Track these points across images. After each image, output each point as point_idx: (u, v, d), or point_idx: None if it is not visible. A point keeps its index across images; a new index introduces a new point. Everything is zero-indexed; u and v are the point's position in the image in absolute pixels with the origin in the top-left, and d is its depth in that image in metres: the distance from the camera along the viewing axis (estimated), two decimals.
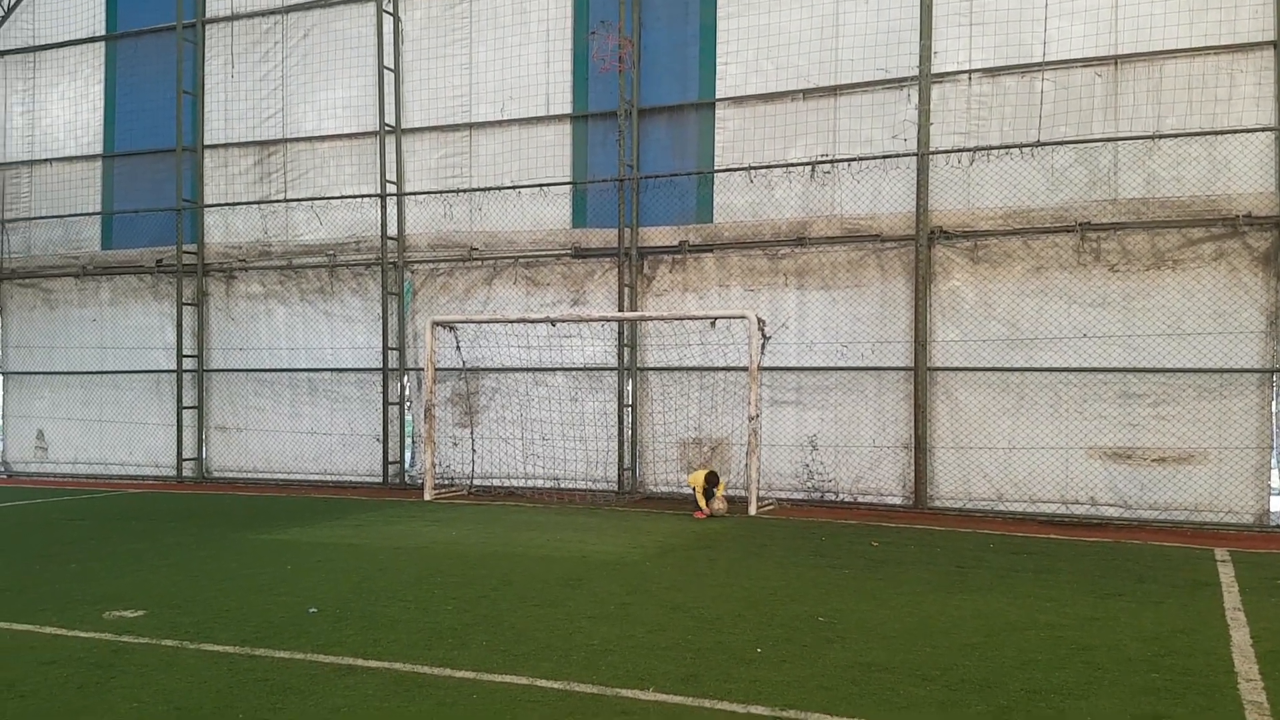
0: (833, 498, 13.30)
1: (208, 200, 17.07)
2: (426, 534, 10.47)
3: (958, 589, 7.65)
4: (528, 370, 14.89)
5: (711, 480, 11.59)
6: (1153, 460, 11.85)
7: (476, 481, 14.97)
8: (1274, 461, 11.38)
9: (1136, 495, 11.90)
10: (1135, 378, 11.92)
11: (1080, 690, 5.03)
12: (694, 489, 11.60)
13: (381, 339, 15.76)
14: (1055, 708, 4.76)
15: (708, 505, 11.60)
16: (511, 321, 13.92)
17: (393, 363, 15.79)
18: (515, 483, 14.85)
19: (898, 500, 13.02)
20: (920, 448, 12.79)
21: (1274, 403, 11.36)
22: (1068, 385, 12.24)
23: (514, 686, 5.00)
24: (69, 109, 18.01)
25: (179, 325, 16.93)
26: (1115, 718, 4.64)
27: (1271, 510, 11.34)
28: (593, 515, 12.20)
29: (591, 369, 14.58)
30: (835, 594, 7.41)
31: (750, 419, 12.10)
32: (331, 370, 16.27)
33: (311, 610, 6.75)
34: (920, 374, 12.78)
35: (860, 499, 13.18)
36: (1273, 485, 11.42)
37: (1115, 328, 12.02)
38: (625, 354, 14.32)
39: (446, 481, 15.09)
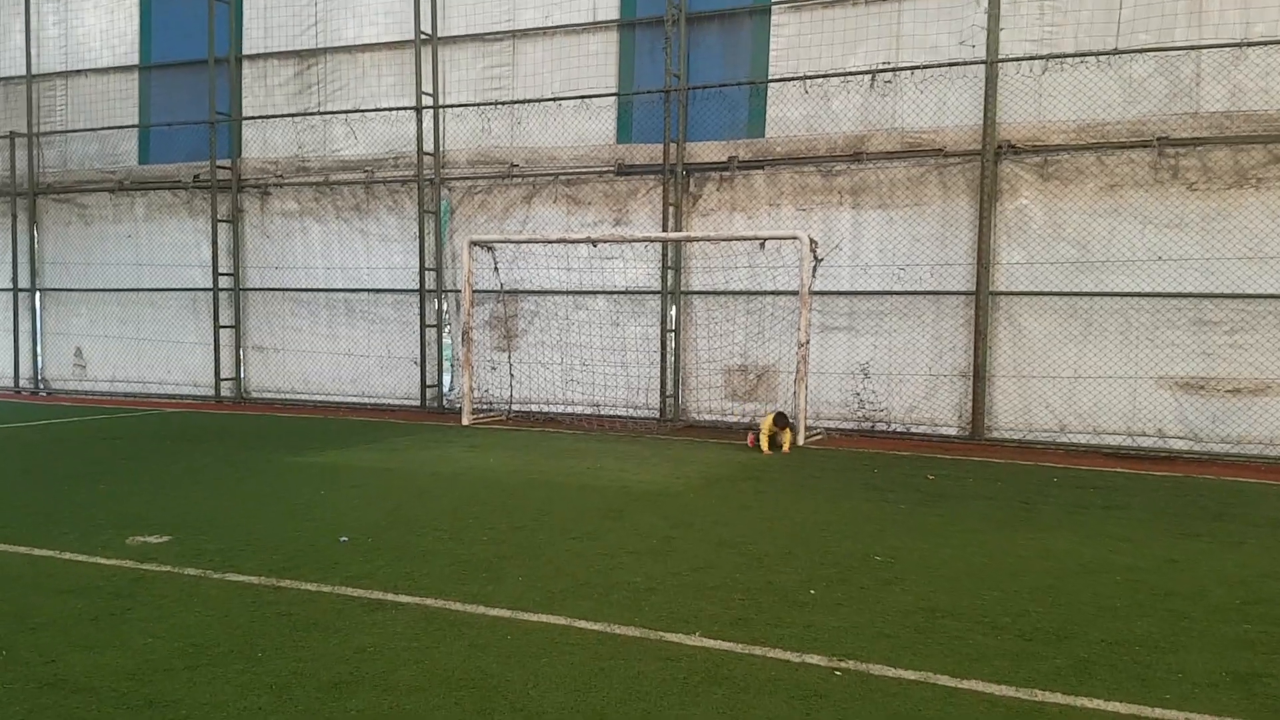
0: (884, 428, 12.86)
1: (246, 113, 16.70)
2: (463, 460, 10.24)
3: (1022, 526, 7.24)
4: (568, 293, 14.51)
5: (780, 423, 11.11)
6: (1227, 391, 11.24)
7: (515, 407, 14.74)
8: None
9: (1208, 428, 11.33)
10: (1211, 304, 11.25)
11: (1166, 642, 4.63)
12: (761, 431, 11.11)
13: (419, 259, 15.42)
14: (1140, 661, 4.37)
15: (767, 448, 11.11)
16: (551, 242, 13.49)
17: (430, 284, 15.48)
18: (554, 409, 14.59)
19: (953, 431, 12.57)
20: (979, 376, 12.27)
21: None
22: (1139, 311, 11.61)
23: (551, 627, 4.71)
24: (104, 18, 17.62)
25: (214, 242, 16.74)
26: (1207, 674, 4.24)
27: None
28: (634, 443, 11.90)
29: (634, 292, 14.15)
30: (891, 530, 7.04)
31: (800, 345, 11.64)
32: (368, 291, 16.02)
33: (343, 539, 6.53)
34: (982, 298, 12.20)
35: (913, 429, 12.74)
36: None
37: (1192, 250, 11.32)
38: (669, 277, 13.86)
39: (485, 406, 14.88)
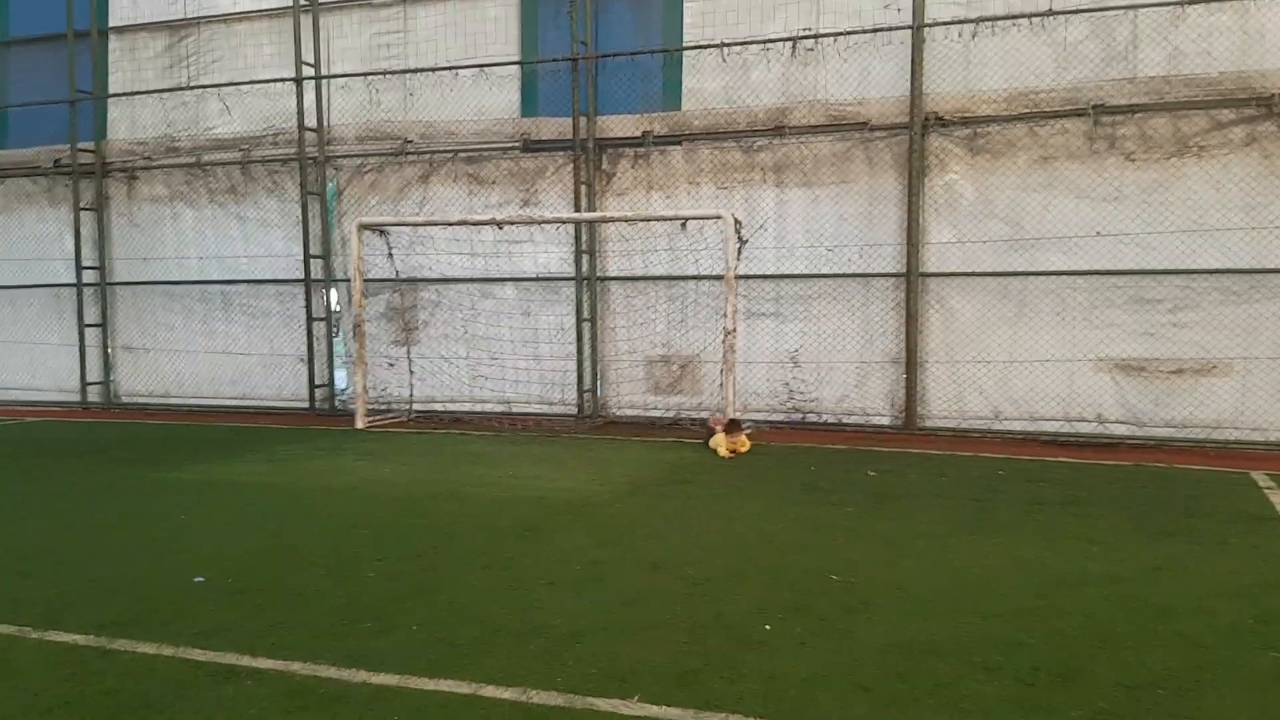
0: (815, 419, 12.19)
1: (114, 90, 15.19)
2: (355, 471, 9.18)
3: (982, 529, 6.57)
4: (473, 281, 13.47)
5: (733, 430, 10.15)
6: (1169, 373, 10.85)
7: (416, 407, 13.64)
8: None
9: (1149, 411, 10.93)
10: (1151, 280, 10.83)
11: (1190, 680, 3.95)
12: (717, 448, 10.15)
13: (303, 245, 14.18)
14: (1169, 712, 3.66)
15: (729, 444, 10.12)
16: (452, 224, 12.40)
17: (316, 273, 14.26)
18: (461, 407, 13.55)
19: (885, 420, 11.96)
20: (912, 363, 11.68)
21: None
22: (1075, 291, 11.13)
23: (451, 698, 3.78)
24: None
25: (76, 233, 15.21)
26: None
27: None
28: (550, 444, 10.97)
29: (546, 279, 13.19)
30: (844, 540, 6.28)
31: (726, 334, 10.85)
32: (248, 282, 14.71)
33: (199, 579, 5.47)
34: (912, 280, 11.60)
35: (845, 420, 12.09)
36: None
37: (1130, 225, 10.88)
38: (583, 262, 12.93)
39: (382, 407, 13.75)
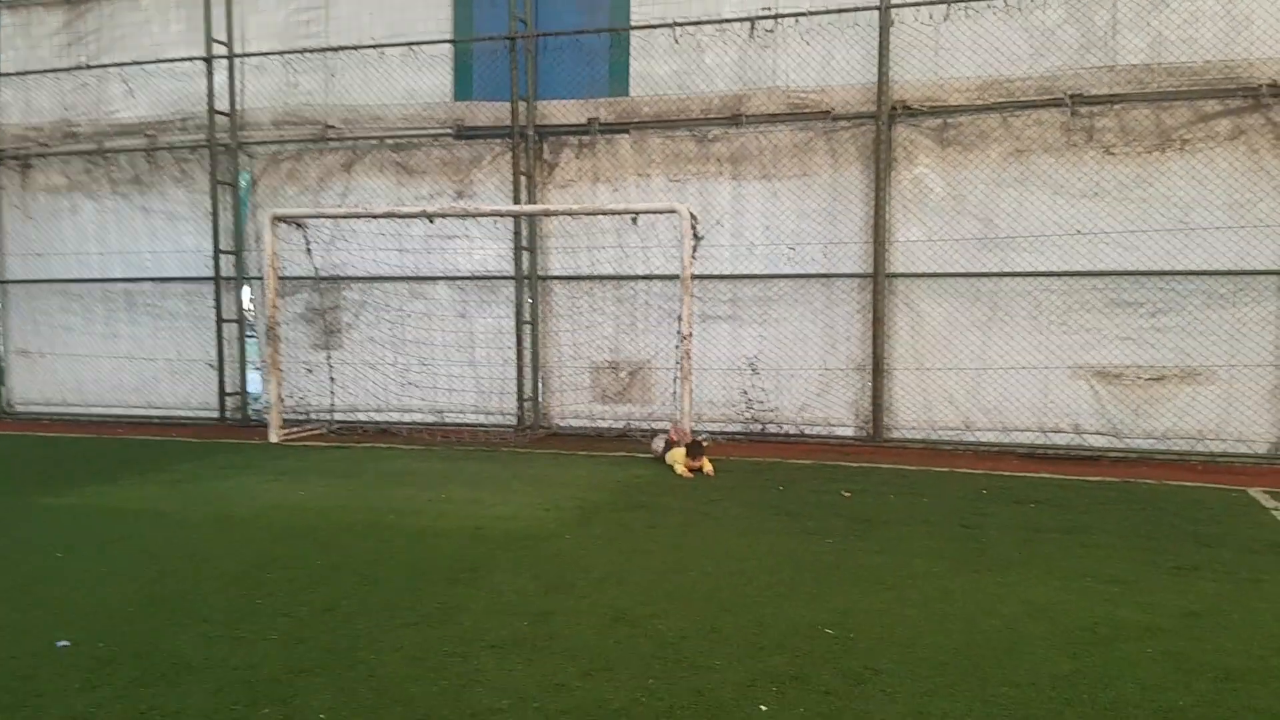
0: (775, 429, 11.48)
1: (5, 70, 13.92)
2: (265, 494, 8.19)
3: (984, 565, 5.87)
4: (401, 279, 12.51)
5: (694, 453, 9.25)
6: (1148, 379, 10.35)
7: (339, 417, 12.64)
8: None
9: (1129, 422, 10.42)
10: (1131, 282, 10.33)
11: None
12: (674, 464, 9.30)
13: (212, 240, 13.08)
14: None
15: (689, 465, 9.25)
16: (377, 217, 11.41)
17: (228, 270, 13.18)
18: (388, 417, 12.57)
19: (850, 431, 11.30)
20: (878, 370, 11.03)
21: None
22: (1050, 293, 10.59)
23: None
24: None
25: None
26: None
27: None
28: (488, 460, 10.07)
29: (482, 278, 12.28)
30: (831, 581, 5.53)
31: (682, 339, 10.06)
32: (153, 280, 13.59)
33: (61, 644, 4.50)
34: (879, 281, 10.96)
35: (807, 431, 11.40)
36: None
37: (1109, 223, 10.36)
38: (523, 259, 12.05)
39: (300, 417, 12.71)
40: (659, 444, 9.84)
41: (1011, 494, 8.18)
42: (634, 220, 10.72)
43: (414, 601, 5.13)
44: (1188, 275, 10.12)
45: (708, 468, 9.09)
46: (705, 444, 9.50)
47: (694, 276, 10.49)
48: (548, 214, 11.01)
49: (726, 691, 3.94)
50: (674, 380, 11.03)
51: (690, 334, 10.08)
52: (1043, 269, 10.56)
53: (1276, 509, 7.50)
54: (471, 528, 6.83)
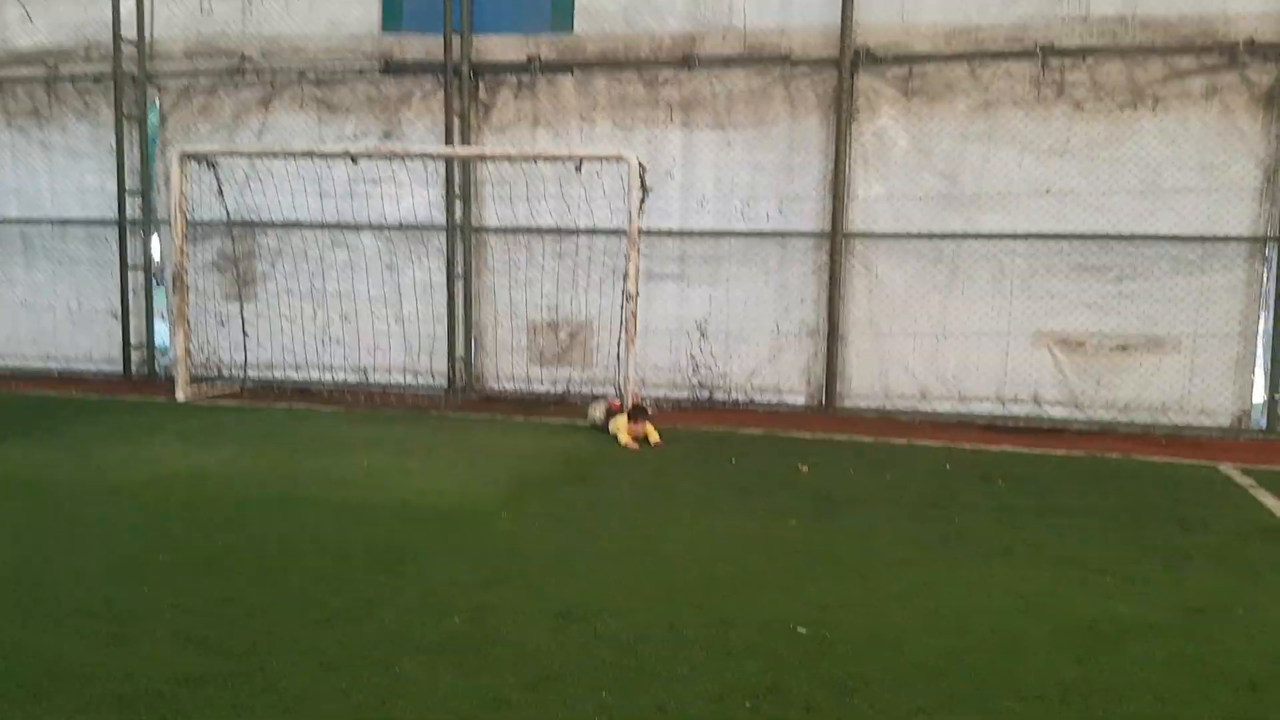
0: (723, 397, 11.01)
1: None
2: (166, 461, 7.46)
3: (961, 551, 5.47)
4: (323, 226, 11.70)
5: (637, 417, 8.66)
6: (1112, 349, 10.09)
7: (254, 375, 11.84)
8: (1260, 351, 9.78)
9: (1090, 392, 10.16)
10: (1098, 246, 10.02)
11: None
12: (618, 433, 8.63)
13: (117, 179, 12.12)
14: None
15: (632, 432, 8.62)
16: (295, 156, 10.56)
17: (134, 212, 12.25)
18: (308, 375, 11.81)
19: (801, 399, 10.89)
20: (833, 335, 10.60)
21: (1264, 279, 9.69)
22: (1013, 255, 10.24)
23: None
24: None
25: None
26: None
27: (1253, 410, 9.82)
28: (417, 425, 9.43)
29: (410, 227, 11.54)
30: (798, 570, 5.07)
31: (627, 299, 9.48)
32: (52, 222, 12.60)
33: None
34: (837, 241, 10.48)
35: (756, 398, 10.96)
36: (1255, 379, 9.86)
37: (1077, 182, 10.02)
38: (456, 208, 11.34)
39: (211, 374, 11.89)
40: (597, 412, 9.27)
41: (978, 469, 7.82)
42: (577, 168, 10.06)
43: (328, 593, 4.53)
44: (1157, 240, 9.84)
45: (654, 437, 8.57)
46: (649, 409, 8.96)
47: (641, 232, 9.90)
48: (483, 158, 10.29)
49: (695, 707, 3.44)
50: (618, 343, 10.47)
51: (637, 294, 9.50)
52: (1008, 230, 10.19)
53: (1252, 487, 7.25)
54: (397, 503, 6.22)
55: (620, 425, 8.65)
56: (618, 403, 9.40)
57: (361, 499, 6.32)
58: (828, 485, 7.08)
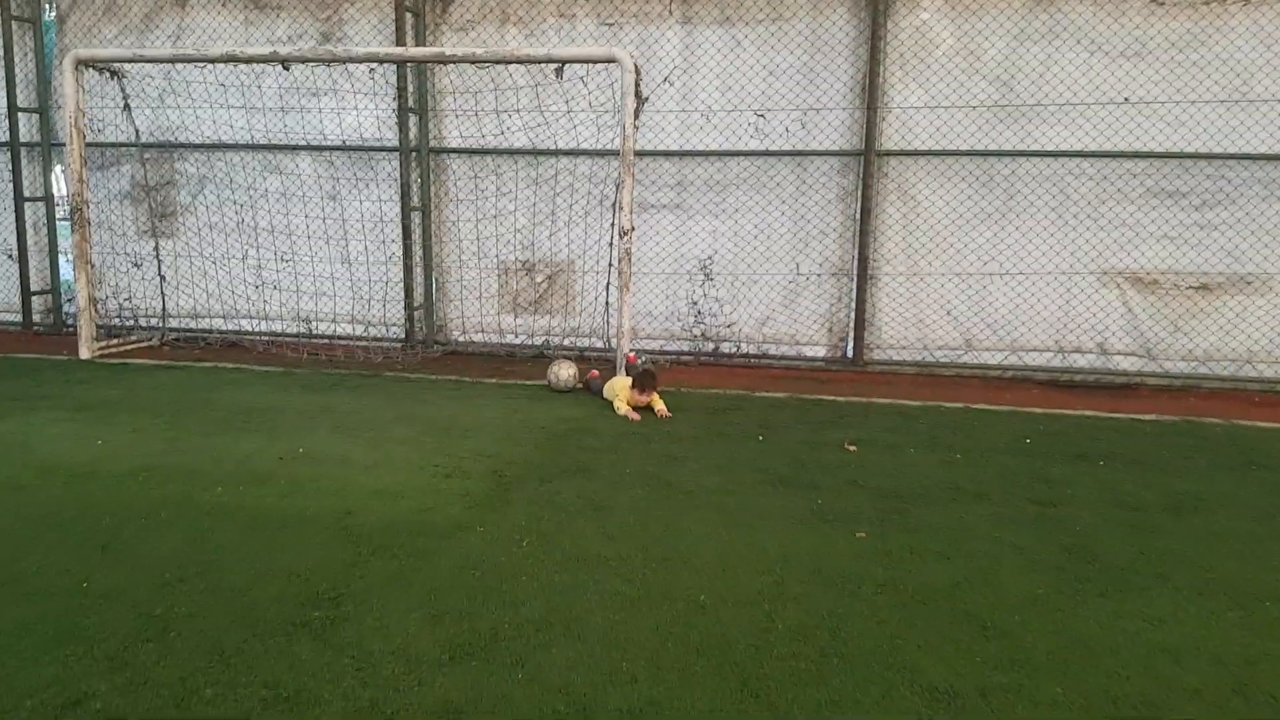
0: (730, 349, 9.62)
1: None
2: (46, 446, 5.97)
3: (1102, 579, 4.16)
4: (253, 148, 10.09)
5: (644, 385, 7.25)
6: (1190, 288, 8.78)
7: (175, 325, 10.31)
8: None
9: (1165, 340, 8.89)
10: (1176, 167, 8.67)
11: None
12: (618, 401, 7.25)
13: (6, 94, 10.43)
14: None
15: (634, 402, 7.25)
16: (213, 61, 8.86)
17: (31, 135, 10.56)
18: (240, 325, 10.29)
19: (822, 351, 9.52)
20: (864, 274, 9.19)
21: None
22: (1078, 177, 8.86)
23: None
24: None
25: None
26: None
27: None
28: (367, 390, 7.97)
29: (357, 149, 9.95)
30: (897, 620, 3.72)
31: (622, 234, 7.99)
32: None
33: None
34: (870, 160, 9.02)
35: (770, 351, 9.59)
36: None
37: (1154, 90, 8.63)
38: (411, 125, 9.74)
39: (128, 323, 10.35)
40: (563, 372, 7.84)
41: (1065, 443, 6.51)
42: (558, 73, 8.49)
43: (223, 674, 3.12)
44: (1246, 160, 8.48)
45: (660, 407, 7.17)
46: (657, 373, 7.56)
47: (637, 153, 8.39)
48: (443, 60, 8.65)
49: None
50: (606, 288, 9.05)
51: (632, 229, 8.01)
52: (1071, 147, 8.79)
53: None
54: (336, 513, 4.79)
55: (619, 390, 7.26)
56: (596, 373, 8.00)
57: (288, 507, 4.88)
58: (886, 472, 5.72)
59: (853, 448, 6.26)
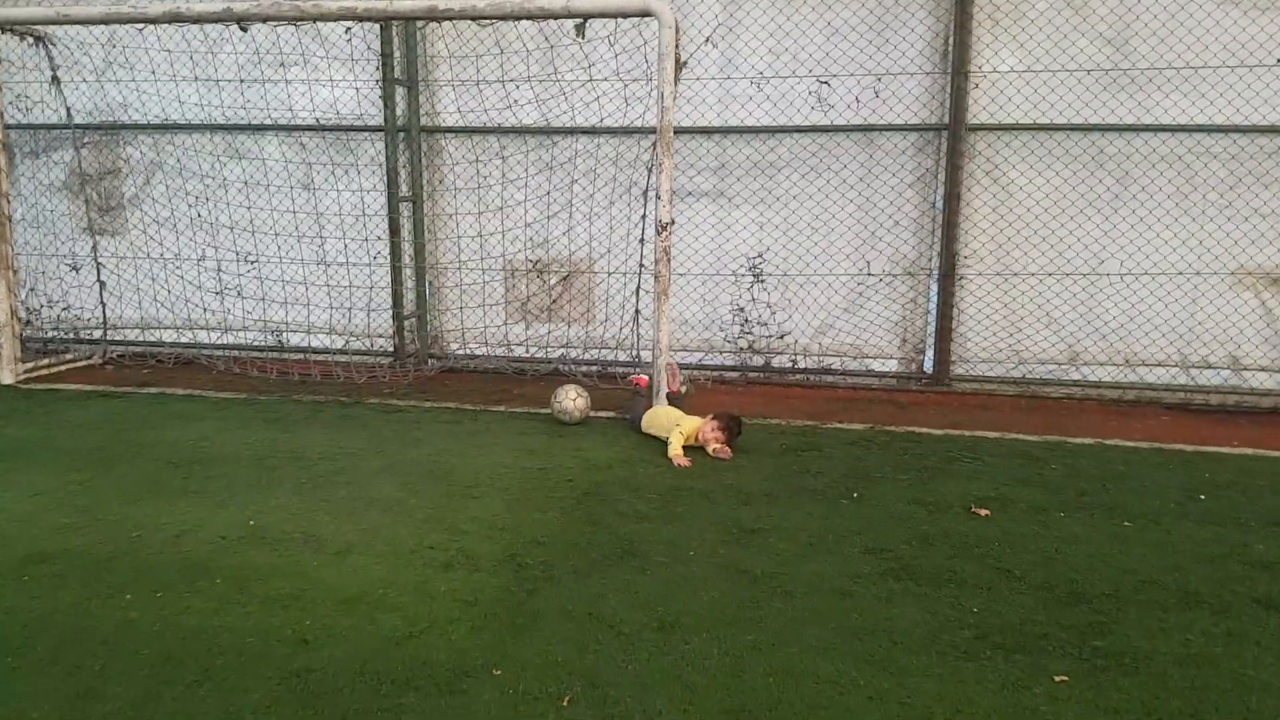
0: (785, 363, 8.20)
1: None
2: None
3: None
4: (212, 129, 8.66)
5: (731, 428, 5.87)
6: None
7: (118, 338, 8.90)
8: None
9: None
10: None
11: None
12: (673, 442, 5.78)
13: None
14: None
15: (724, 454, 5.81)
16: (155, 21, 7.36)
17: None
18: (198, 337, 8.86)
19: (894, 365, 8.12)
20: (950, 273, 7.77)
21: None
22: (1208, 158, 7.45)
23: None
24: None
25: None
26: None
27: None
28: (346, 424, 6.57)
29: (334, 129, 8.53)
30: None
31: (660, 229, 6.52)
32: None
33: None
34: (957, 136, 7.59)
35: (832, 365, 8.16)
36: None
37: None
38: (398, 99, 8.30)
39: (62, 339, 8.93)
40: (568, 402, 6.42)
41: (1249, 500, 5.13)
42: (579, 30, 7.03)
43: None
44: None
45: (725, 453, 5.75)
46: (685, 389, 6.21)
47: (677, 130, 6.95)
48: (436, 17, 7.14)
49: None
50: (635, 293, 7.64)
51: (671, 222, 6.56)
52: (1200, 121, 7.37)
53: None
54: (289, 639, 3.38)
55: (663, 423, 5.88)
56: (644, 379, 6.59)
57: (221, 630, 3.46)
58: (1042, 552, 4.32)
59: (984, 512, 4.84)
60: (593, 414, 6.71)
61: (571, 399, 6.43)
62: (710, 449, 5.77)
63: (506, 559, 4.14)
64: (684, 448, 5.75)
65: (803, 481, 5.34)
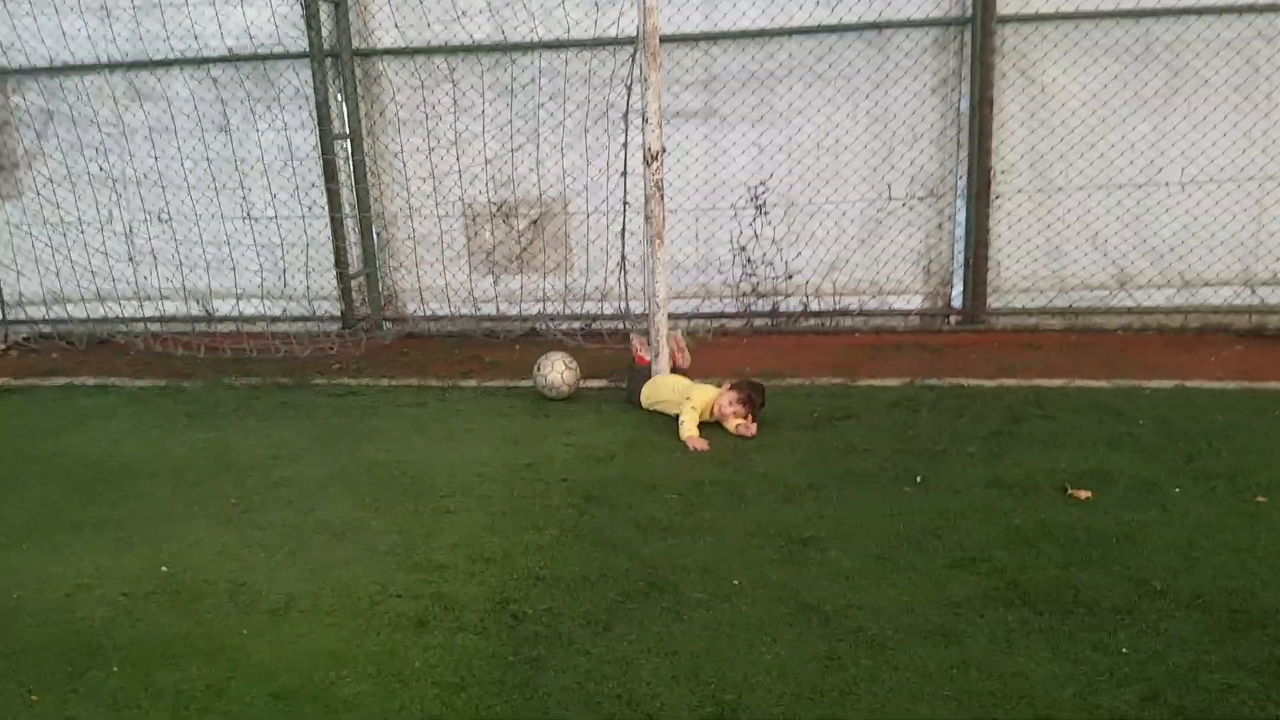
0: (794, 306, 7.27)
1: None
2: None
3: None
4: (113, 67, 7.51)
5: (751, 401, 4.97)
6: None
7: (21, 318, 7.84)
8: None
9: None
10: None
11: None
12: (685, 421, 4.87)
13: None
14: None
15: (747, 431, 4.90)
16: None
17: None
18: (115, 311, 7.80)
19: (918, 301, 7.22)
20: (983, 192, 6.83)
21: None
22: (1275, 43, 6.49)
23: None
24: None
25: None
26: None
27: None
28: (286, 412, 5.61)
29: (249, 58, 7.40)
30: None
31: (649, 160, 5.49)
32: None
33: None
34: (986, 28, 6.60)
35: (848, 306, 7.23)
36: None
37: None
38: (324, 18, 7.17)
39: None
40: (554, 374, 5.47)
41: None
42: None
43: None
44: None
45: (749, 429, 4.84)
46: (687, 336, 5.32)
47: (663, 38, 5.90)
48: None
49: None
50: (620, 234, 6.65)
51: (662, 150, 5.54)
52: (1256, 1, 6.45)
53: None
54: None
55: (665, 395, 4.98)
56: (645, 356, 5.63)
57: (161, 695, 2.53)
58: (1178, 551, 3.47)
59: (1083, 494, 3.97)
60: (582, 384, 5.76)
61: (559, 372, 5.48)
62: (730, 426, 4.86)
63: (497, 607, 3.22)
64: (699, 425, 4.83)
65: (849, 463, 4.44)
